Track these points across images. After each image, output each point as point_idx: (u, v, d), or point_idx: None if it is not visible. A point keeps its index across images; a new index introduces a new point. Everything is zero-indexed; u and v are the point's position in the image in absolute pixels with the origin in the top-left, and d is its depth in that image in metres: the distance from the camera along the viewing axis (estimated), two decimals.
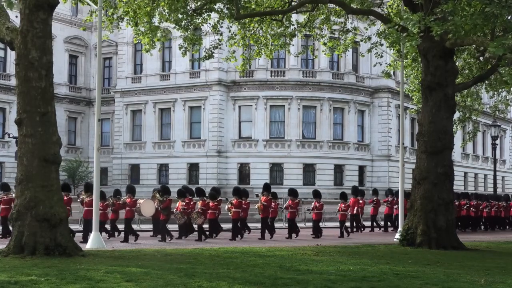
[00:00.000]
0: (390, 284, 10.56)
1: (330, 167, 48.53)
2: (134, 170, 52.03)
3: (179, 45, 23.62)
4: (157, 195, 21.65)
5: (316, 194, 24.29)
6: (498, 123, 43.55)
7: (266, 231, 22.77)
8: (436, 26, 15.51)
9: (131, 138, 52.83)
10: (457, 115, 28.77)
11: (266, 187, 23.75)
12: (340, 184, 47.11)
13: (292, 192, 24.19)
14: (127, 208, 21.46)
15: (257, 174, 47.25)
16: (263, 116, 48.27)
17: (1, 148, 51.12)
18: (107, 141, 55.37)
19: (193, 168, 49.69)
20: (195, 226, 21.59)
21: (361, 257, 15.07)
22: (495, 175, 42.26)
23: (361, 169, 50.32)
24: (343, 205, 24.89)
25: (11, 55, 45.70)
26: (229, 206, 22.20)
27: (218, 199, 22.44)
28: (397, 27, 17.31)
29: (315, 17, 24.51)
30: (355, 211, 26.87)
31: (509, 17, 16.43)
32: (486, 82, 26.93)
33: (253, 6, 22.72)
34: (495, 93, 30.54)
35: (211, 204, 21.84)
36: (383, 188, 43.73)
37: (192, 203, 22.27)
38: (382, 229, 28.70)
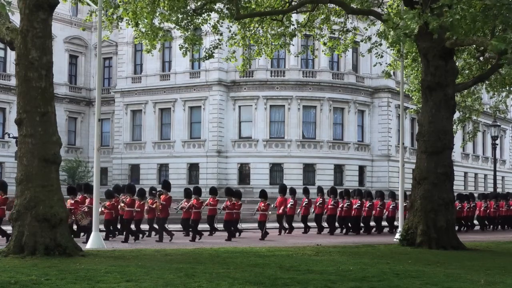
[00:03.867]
0: (390, 284, 10.56)
1: (330, 167, 48.53)
2: (134, 170, 52.04)
3: (179, 45, 23.62)
4: None
5: (235, 194, 22.83)
6: (498, 123, 43.55)
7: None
8: (433, 20, 15.44)
9: (131, 138, 52.84)
10: (457, 115, 28.80)
11: (166, 185, 22.12)
12: (340, 184, 47.04)
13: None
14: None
15: (257, 174, 47.27)
16: (263, 116, 48.27)
17: (1, 148, 51.11)
18: (107, 141, 55.38)
19: (193, 168, 49.70)
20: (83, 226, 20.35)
21: (361, 257, 15.06)
22: (495, 175, 42.27)
23: (361, 169, 50.33)
24: (263, 204, 23.15)
25: (11, 55, 45.70)
26: (122, 205, 21.17)
27: (115, 198, 21.43)
28: (393, 21, 17.26)
29: (315, 17, 24.53)
30: (281, 210, 25.07)
31: (510, 17, 16.40)
32: (486, 82, 26.94)
33: (253, 6, 22.73)
34: (495, 93, 30.56)
35: (107, 203, 20.96)
36: (383, 188, 43.82)
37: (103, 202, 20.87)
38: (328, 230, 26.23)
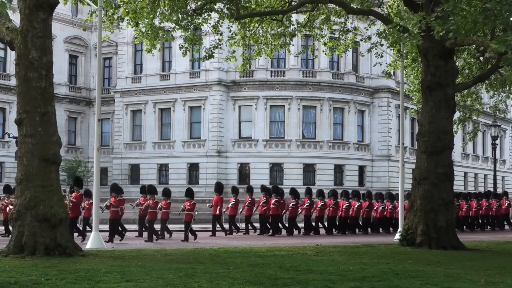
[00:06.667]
0: (390, 284, 10.56)
1: (330, 167, 48.53)
2: (134, 170, 52.05)
3: (179, 45, 23.60)
4: None
5: (189, 193, 21.87)
6: (498, 123, 43.54)
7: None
8: (437, 25, 15.49)
9: (131, 138, 52.84)
10: (457, 115, 28.76)
11: (78, 182, 21.08)
12: (340, 184, 47.10)
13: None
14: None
15: (257, 174, 47.25)
16: (263, 116, 48.27)
17: (1, 148, 51.13)
18: (107, 141, 55.39)
19: (193, 168, 49.70)
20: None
21: (361, 257, 15.06)
22: (495, 175, 42.26)
23: (361, 169, 50.32)
24: (188, 204, 21.57)
25: (11, 55, 45.70)
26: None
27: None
28: (398, 27, 17.29)
29: (315, 17, 24.50)
30: (217, 211, 23.95)
31: (510, 17, 16.41)
32: (486, 82, 26.93)
33: (253, 6, 22.71)
34: (495, 93, 30.54)
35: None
36: (383, 188, 43.83)
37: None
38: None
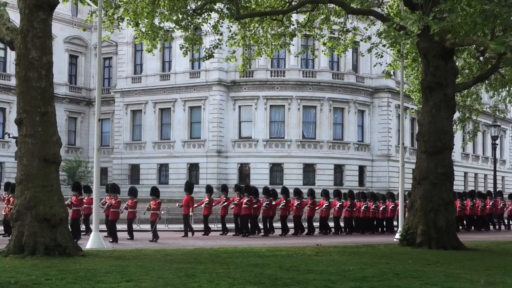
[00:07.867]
0: (390, 284, 10.56)
1: (330, 167, 48.54)
2: (134, 170, 52.06)
3: (179, 44, 23.61)
4: None
5: (154, 192, 21.55)
6: (498, 123, 43.51)
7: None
8: (434, 24, 15.49)
9: (131, 138, 52.86)
10: (457, 115, 28.76)
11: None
12: (340, 184, 47.09)
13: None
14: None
15: (257, 174, 47.28)
16: (263, 116, 48.28)
17: (1, 148, 51.14)
18: (107, 141, 55.40)
19: (193, 168, 49.71)
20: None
21: (361, 257, 15.06)
22: (495, 175, 42.23)
23: (361, 169, 50.33)
24: (153, 203, 21.18)
25: (11, 55, 45.71)
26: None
27: None
28: (395, 25, 17.29)
29: (315, 17, 24.50)
30: (190, 212, 23.88)
31: (509, 18, 16.41)
32: (486, 82, 26.95)
33: (253, 6, 22.72)
34: (495, 93, 30.54)
35: None
36: (383, 188, 43.84)
37: None
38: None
